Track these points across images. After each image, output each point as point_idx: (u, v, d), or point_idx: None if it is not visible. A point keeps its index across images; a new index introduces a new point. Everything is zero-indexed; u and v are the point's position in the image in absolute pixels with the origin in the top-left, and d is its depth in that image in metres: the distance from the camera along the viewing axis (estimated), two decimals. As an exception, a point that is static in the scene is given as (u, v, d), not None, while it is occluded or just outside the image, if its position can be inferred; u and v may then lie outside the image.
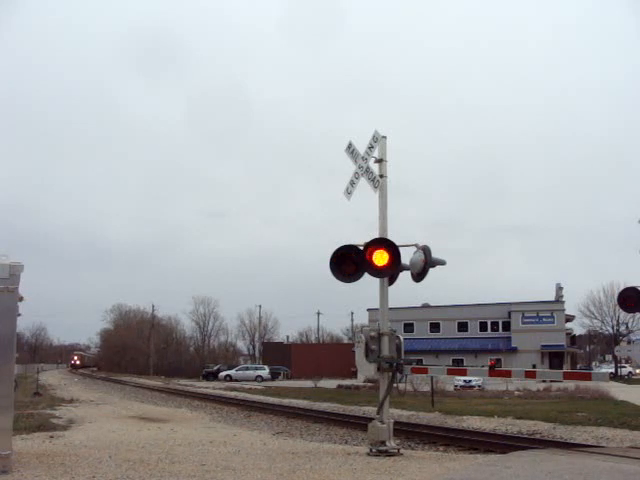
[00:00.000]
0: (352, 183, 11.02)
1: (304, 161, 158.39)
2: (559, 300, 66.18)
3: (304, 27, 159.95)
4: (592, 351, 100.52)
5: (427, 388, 29.18)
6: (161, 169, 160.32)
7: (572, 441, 13.43)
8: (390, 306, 10.51)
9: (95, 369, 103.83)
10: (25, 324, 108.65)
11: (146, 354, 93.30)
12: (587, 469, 7.93)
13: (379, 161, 10.64)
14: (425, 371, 15.23)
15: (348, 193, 11.09)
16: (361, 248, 10.10)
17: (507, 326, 66.74)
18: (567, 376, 17.25)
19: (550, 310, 65.22)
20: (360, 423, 16.43)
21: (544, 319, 64.96)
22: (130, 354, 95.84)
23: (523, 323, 65.46)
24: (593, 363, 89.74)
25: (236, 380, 61.44)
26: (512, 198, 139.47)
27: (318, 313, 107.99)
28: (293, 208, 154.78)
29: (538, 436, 14.87)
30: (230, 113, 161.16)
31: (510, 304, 66.49)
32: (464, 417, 19.41)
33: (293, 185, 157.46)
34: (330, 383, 48.01)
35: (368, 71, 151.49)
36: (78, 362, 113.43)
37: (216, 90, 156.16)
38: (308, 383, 49.00)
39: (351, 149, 11.12)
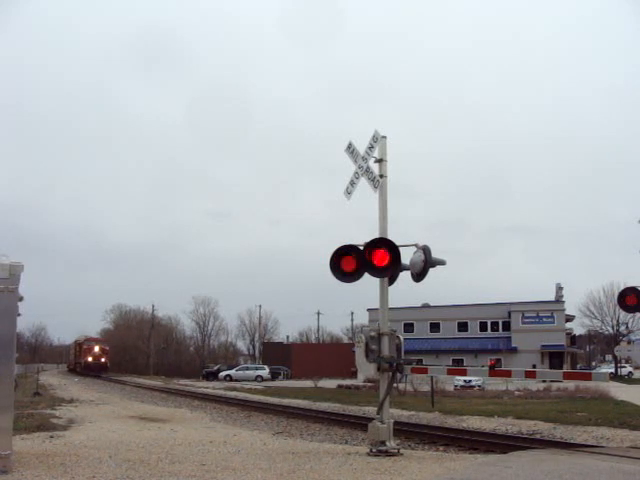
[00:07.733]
0: (352, 183, 11.02)
1: (306, 161, 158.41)
2: (559, 300, 66.20)
3: (305, 27, 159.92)
4: (592, 351, 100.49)
5: (427, 388, 29.16)
6: (163, 169, 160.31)
7: (572, 441, 13.44)
8: (390, 306, 10.51)
9: None
10: (25, 324, 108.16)
11: (146, 354, 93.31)
12: (587, 469, 7.93)
13: (379, 161, 10.64)
14: (425, 371, 15.22)
15: (348, 193, 11.09)
16: (361, 248, 10.09)
17: (507, 326, 66.75)
18: (567, 376, 17.26)
19: (550, 310, 65.23)
20: (360, 423, 16.42)
21: (544, 319, 64.97)
22: (130, 354, 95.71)
23: (523, 323, 65.47)
24: (593, 363, 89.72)
25: (236, 380, 61.40)
26: (513, 198, 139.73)
27: (318, 313, 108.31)
28: (295, 208, 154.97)
29: (538, 436, 14.86)
30: (232, 113, 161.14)
31: (510, 304, 66.50)
32: (464, 417, 19.41)
33: (295, 185, 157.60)
34: (330, 383, 48.01)
35: (369, 71, 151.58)
36: (103, 360, 69.53)
37: (217, 90, 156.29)
38: (308, 383, 49.01)
39: (351, 149, 11.11)
